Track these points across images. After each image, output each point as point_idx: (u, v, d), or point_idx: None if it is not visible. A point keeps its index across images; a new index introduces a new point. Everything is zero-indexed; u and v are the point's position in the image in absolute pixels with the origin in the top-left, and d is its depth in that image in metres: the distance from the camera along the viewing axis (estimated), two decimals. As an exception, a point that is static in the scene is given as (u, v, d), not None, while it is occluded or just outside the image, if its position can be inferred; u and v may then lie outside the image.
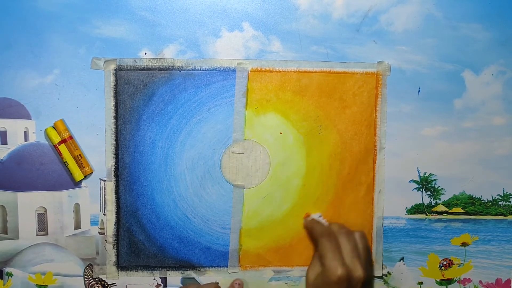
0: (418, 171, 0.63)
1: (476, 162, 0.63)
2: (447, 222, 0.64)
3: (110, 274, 0.61)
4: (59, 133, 0.59)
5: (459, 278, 0.64)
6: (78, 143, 0.60)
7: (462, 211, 0.64)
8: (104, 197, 0.61)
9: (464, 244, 0.64)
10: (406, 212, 0.63)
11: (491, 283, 0.64)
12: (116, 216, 0.60)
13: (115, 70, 0.59)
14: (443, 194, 0.63)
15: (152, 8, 0.59)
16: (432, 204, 0.63)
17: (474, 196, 0.63)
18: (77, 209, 0.61)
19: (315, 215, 0.60)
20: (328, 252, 0.52)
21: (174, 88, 0.60)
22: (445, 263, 0.63)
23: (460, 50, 0.61)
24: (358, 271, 0.51)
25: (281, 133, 0.60)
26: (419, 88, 0.61)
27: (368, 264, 0.54)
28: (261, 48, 0.60)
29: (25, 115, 0.60)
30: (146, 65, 0.59)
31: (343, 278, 0.51)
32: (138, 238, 0.61)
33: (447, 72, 0.61)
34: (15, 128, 0.60)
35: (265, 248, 0.62)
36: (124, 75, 0.59)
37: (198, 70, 0.60)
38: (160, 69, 0.59)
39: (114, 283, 0.62)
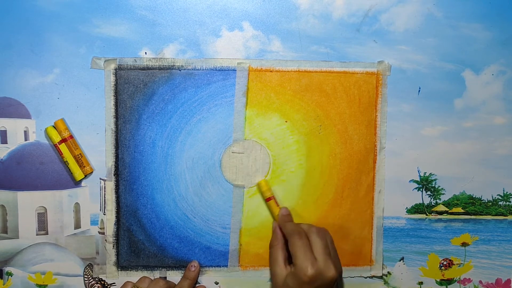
0: (418, 171, 0.63)
1: (476, 162, 0.62)
2: (447, 222, 0.64)
3: (110, 273, 0.61)
4: (60, 133, 0.59)
5: (459, 278, 0.64)
6: (78, 142, 0.60)
7: (462, 211, 0.64)
8: (104, 197, 0.60)
9: (464, 244, 0.64)
10: (406, 212, 0.63)
11: (491, 283, 0.64)
12: (116, 216, 0.60)
13: (115, 69, 0.59)
14: (443, 194, 0.63)
15: (152, 7, 0.59)
16: (432, 204, 0.63)
17: (474, 196, 0.63)
18: (77, 208, 0.61)
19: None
20: (298, 251, 0.51)
21: (174, 88, 0.60)
22: (445, 263, 0.63)
23: (461, 49, 0.61)
24: (331, 271, 0.51)
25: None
26: (420, 88, 0.61)
27: (337, 260, 0.54)
28: (261, 47, 0.60)
29: (25, 115, 0.60)
30: (146, 65, 0.59)
31: (315, 277, 0.50)
32: (138, 237, 0.61)
33: (448, 71, 0.61)
34: (15, 127, 0.60)
35: (265, 248, 0.62)
36: (124, 74, 0.59)
37: (198, 69, 0.60)
38: (160, 68, 0.59)
39: (114, 283, 0.62)
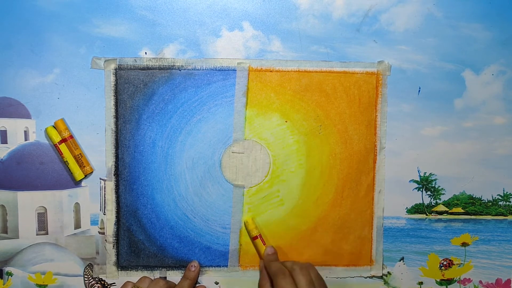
0: (418, 171, 0.63)
1: (476, 162, 0.62)
2: (447, 222, 0.64)
3: (110, 273, 0.61)
4: (60, 133, 0.59)
5: (459, 278, 0.64)
6: (78, 142, 0.60)
7: (462, 211, 0.64)
8: (104, 197, 0.60)
9: (464, 244, 0.64)
10: (406, 212, 0.63)
11: (491, 283, 0.64)
12: (116, 216, 0.60)
13: (115, 69, 0.59)
14: (443, 194, 0.63)
15: (152, 7, 0.59)
16: (432, 204, 0.63)
17: (474, 196, 0.63)
18: (77, 208, 0.61)
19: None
20: None
21: (174, 88, 0.60)
22: (445, 263, 0.63)
23: (461, 49, 0.61)
24: None
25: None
26: (420, 88, 0.61)
27: None
28: (261, 47, 0.60)
29: (25, 115, 0.60)
30: (146, 65, 0.59)
31: None
32: (138, 237, 0.61)
33: (448, 71, 0.61)
34: (15, 127, 0.60)
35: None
36: (124, 74, 0.59)
37: (198, 69, 0.60)
38: (160, 68, 0.59)
39: (114, 283, 0.62)
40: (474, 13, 0.60)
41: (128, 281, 0.59)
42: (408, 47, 0.61)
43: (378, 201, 0.62)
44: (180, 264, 0.61)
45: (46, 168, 0.60)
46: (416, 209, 0.63)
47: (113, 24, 0.59)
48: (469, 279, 0.64)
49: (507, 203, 0.64)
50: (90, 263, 0.61)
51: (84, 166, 0.59)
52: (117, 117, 0.60)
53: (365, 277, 0.63)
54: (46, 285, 0.61)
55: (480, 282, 0.64)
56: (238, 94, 0.60)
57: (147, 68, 0.59)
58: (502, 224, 0.64)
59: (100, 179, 0.61)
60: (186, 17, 0.59)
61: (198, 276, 0.61)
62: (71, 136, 0.59)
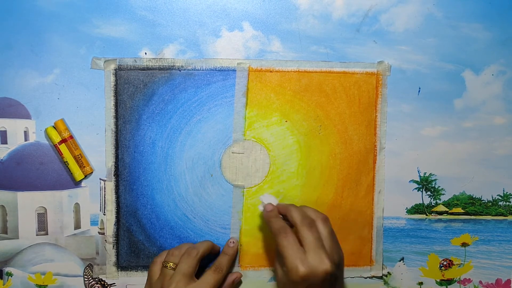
0: (418, 171, 0.62)
1: (476, 162, 0.62)
2: (447, 222, 0.64)
3: (110, 274, 0.61)
4: (60, 133, 0.59)
5: (459, 279, 0.64)
6: (78, 142, 0.60)
7: (462, 211, 0.64)
8: (104, 197, 0.60)
9: (464, 244, 0.64)
10: (406, 212, 0.63)
11: (491, 283, 0.64)
12: (116, 216, 0.60)
13: (115, 70, 0.59)
14: (443, 194, 0.63)
15: (152, 8, 0.59)
16: (432, 204, 0.63)
17: (474, 196, 0.63)
18: (77, 209, 0.61)
19: (264, 197, 0.57)
20: (286, 251, 0.49)
21: (174, 88, 0.60)
22: (445, 263, 0.63)
23: (461, 50, 0.61)
24: (324, 264, 0.48)
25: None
26: (419, 88, 0.61)
27: (334, 251, 0.51)
28: (261, 48, 0.60)
29: (25, 115, 0.60)
30: (146, 65, 0.59)
31: (306, 276, 0.47)
32: (138, 238, 0.61)
33: (448, 72, 0.61)
34: (15, 127, 0.60)
35: (265, 248, 0.62)
36: (124, 75, 0.59)
37: (198, 70, 0.60)
38: (160, 69, 0.59)
39: (114, 283, 0.62)
40: (474, 13, 0.60)
41: (156, 259, 0.56)
42: (408, 47, 0.61)
43: (378, 201, 0.62)
44: (180, 264, 0.61)
45: (46, 168, 0.60)
46: (416, 209, 0.63)
47: (113, 24, 0.59)
48: (469, 279, 0.64)
49: (507, 203, 0.64)
50: (90, 264, 0.61)
51: (84, 167, 0.59)
52: (117, 117, 0.60)
53: (365, 277, 0.63)
54: (46, 285, 0.61)
55: (480, 282, 0.64)
56: (238, 95, 0.60)
57: (147, 69, 0.59)
58: (502, 224, 0.64)
59: (100, 179, 0.61)
60: (186, 17, 0.59)
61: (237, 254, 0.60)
62: (71, 137, 0.59)
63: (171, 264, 0.54)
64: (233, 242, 0.60)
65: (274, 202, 0.56)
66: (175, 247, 0.56)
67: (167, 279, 0.53)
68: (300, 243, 0.50)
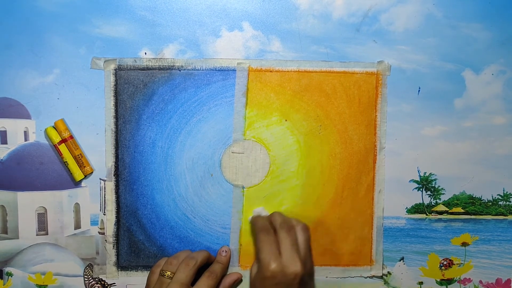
0: (418, 171, 0.62)
1: (476, 161, 0.62)
2: (447, 222, 0.64)
3: (110, 274, 0.61)
4: (59, 133, 0.59)
5: (459, 278, 0.64)
6: (78, 142, 0.60)
7: (462, 211, 0.64)
8: (104, 197, 0.61)
9: (464, 244, 0.64)
10: (406, 212, 0.63)
11: (491, 283, 0.64)
12: (116, 216, 0.60)
13: (115, 70, 0.59)
14: (443, 194, 0.63)
15: (152, 8, 0.59)
16: (432, 204, 0.63)
17: (474, 196, 0.63)
18: (77, 209, 0.61)
19: (257, 209, 0.60)
20: (263, 247, 0.52)
21: (174, 88, 0.60)
22: (445, 263, 0.63)
23: (461, 49, 0.61)
24: (295, 266, 0.50)
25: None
26: (419, 88, 0.61)
27: (308, 258, 0.53)
28: (261, 47, 0.60)
29: (25, 115, 0.60)
30: (146, 65, 0.59)
31: (276, 272, 0.50)
32: (138, 238, 0.61)
33: (448, 71, 0.61)
34: (15, 128, 0.60)
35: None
36: (124, 75, 0.59)
37: (198, 69, 0.60)
38: (160, 69, 0.59)
39: (114, 283, 0.62)
40: (474, 13, 0.60)
41: (155, 268, 0.57)
42: (408, 47, 0.61)
43: (378, 201, 0.62)
44: (180, 264, 0.61)
45: (46, 168, 0.60)
46: (416, 209, 0.63)
47: (113, 25, 0.59)
48: (469, 279, 0.64)
49: (507, 203, 0.64)
50: (90, 263, 0.61)
51: (84, 167, 0.59)
52: (117, 117, 0.60)
53: (365, 277, 0.63)
54: (46, 285, 0.61)
55: (480, 282, 0.64)
56: (238, 94, 0.60)
57: (147, 69, 0.59)
58: (502, 224, 0.64)
59: (100, 179, 0.61)
60: (186, 17, 0.59)
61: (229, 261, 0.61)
62: (71, 137, 0.59)
63: (169, 273, 0.55)
64: (225, 251, 0.60)
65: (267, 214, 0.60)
66: (173, 255, 0.57)
67: (163, 287, 0.54)
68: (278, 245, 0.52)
